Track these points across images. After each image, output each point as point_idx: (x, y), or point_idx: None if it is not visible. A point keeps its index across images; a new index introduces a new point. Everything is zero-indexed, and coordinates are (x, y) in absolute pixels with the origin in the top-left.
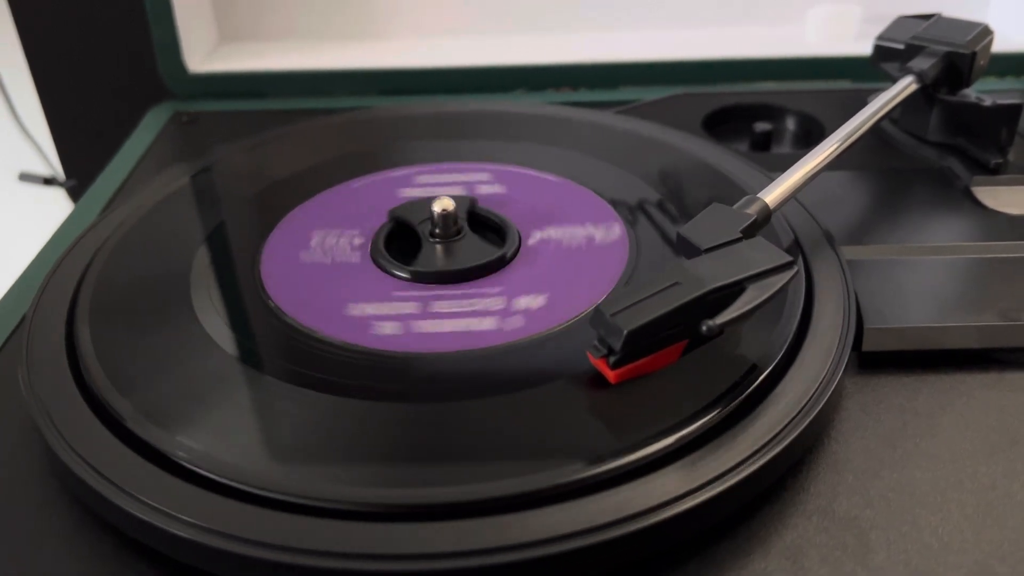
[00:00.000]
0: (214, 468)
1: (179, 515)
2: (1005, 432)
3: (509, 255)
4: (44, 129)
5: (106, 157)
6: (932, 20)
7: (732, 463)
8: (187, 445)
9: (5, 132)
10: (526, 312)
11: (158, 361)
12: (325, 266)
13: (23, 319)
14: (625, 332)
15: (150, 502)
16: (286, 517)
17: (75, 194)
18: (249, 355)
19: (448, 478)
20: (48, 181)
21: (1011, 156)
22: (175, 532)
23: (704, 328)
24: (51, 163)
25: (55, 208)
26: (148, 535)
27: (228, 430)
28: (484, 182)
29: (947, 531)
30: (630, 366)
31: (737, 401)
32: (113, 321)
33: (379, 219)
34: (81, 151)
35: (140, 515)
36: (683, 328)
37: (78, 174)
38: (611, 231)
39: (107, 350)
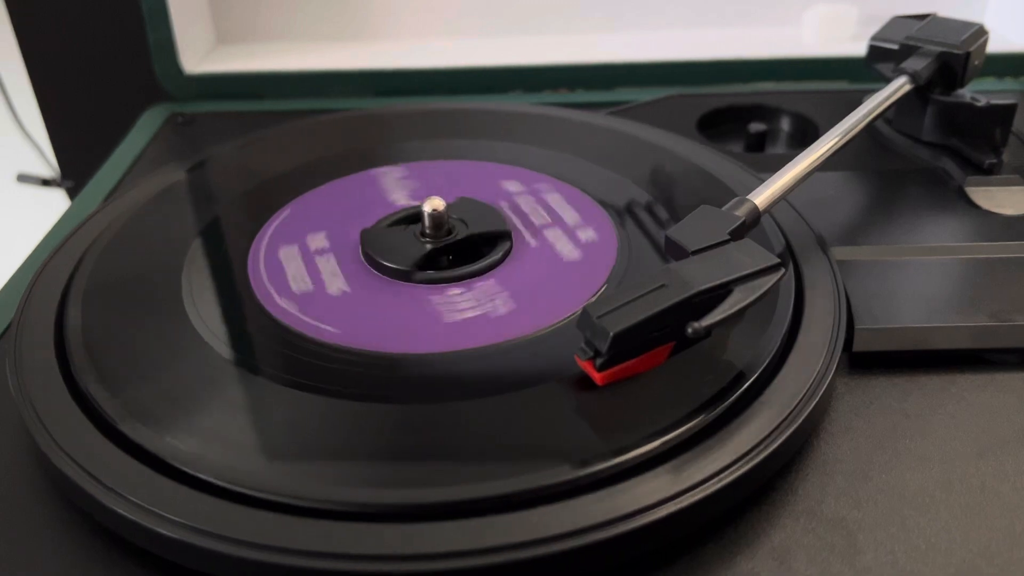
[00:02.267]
0: (204, 468)
1: (169, 515)
2: (995, 433)
3: (500, 256)
4: (42, 130)
5: (104, 158)
6: (927, 20)
7: (721, 465)
8: (177, 445)
9: (3, 133)
10: (514, 314)
11: (148, 360)
12: (316, 265)
13: (13, 319)
14: (611, 334)
15: (140, 502)
16: (277, 517)
17: (73, 195)
18: (240, 355)
19: (435, 479)
20: (46, 182)
21: (1005, 156)
22: (165, 532)
23: (689, 330)
24: (50, 164)
25: (53, 209)
26: (138, 535)
27: (218, 430)
28: (476, 181)
29: (935, 532)
30: (617, 368)
31: (727, 403)
32: (103, 320)
33: (371, 217)
34: (79, 152)
35: (130, 515)
36: (670, 330)
37: (76, 175)
38: (601, 233)
39: (97, 348)
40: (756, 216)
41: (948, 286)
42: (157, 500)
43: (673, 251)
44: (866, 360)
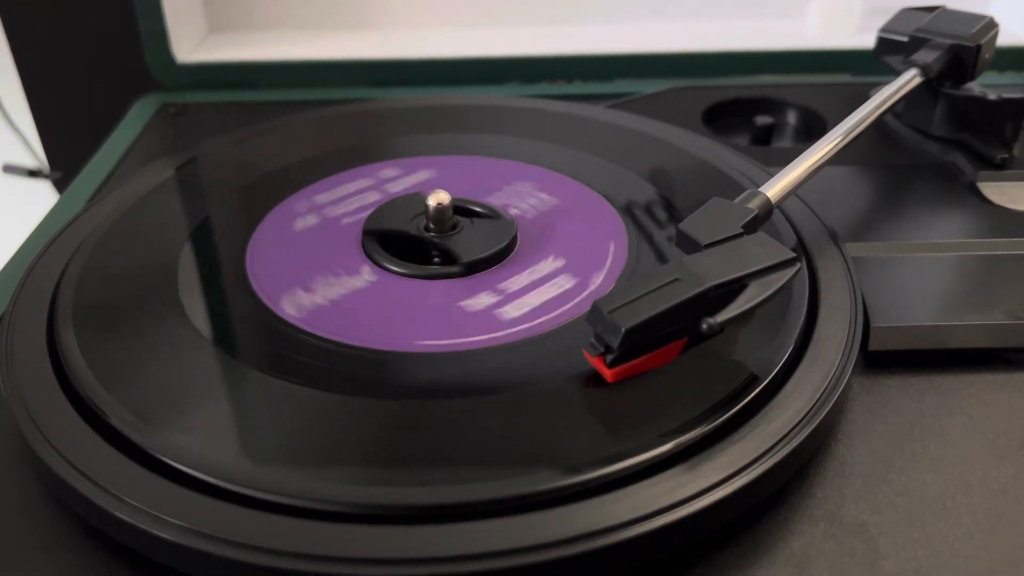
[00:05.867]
0: (200, 468)
1: (164, 516)
2: (1014, 435)
3: (505, 251)
4: (29, 120)
5: (93, 149)
6: (936, 12)
7: (737, 467)
8: (172, 444)
9: None
10: (522, 309)
11: (142, 357)
12: (314, 261)
13: (3, 314)
14: (623, 330)
15: (134, 503)
16: (275, 519)
17: (61, 186)
18: (236, 352)
19: (441, 480)
20: (33, 173)
21: (1017, 151)
22: (159, 534)
23: (704, 326)
24: (36, 154)
25: (40, 200)
26: (132, 537)
27: (214, 429)
28: (479, 176)
29: (957, 537)
30: (628, 364)
31: (742, 403)
32: (96, 316)
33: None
34: (67, 142)
35: (124, 516)
36: (683, 326)
37: (64, 166)
38: (610, 227)
39: (89, 345)
40: (768, 209)
41: (962, 283)
42: (152, 501)
43: (685, 244)
44: (881, 359)
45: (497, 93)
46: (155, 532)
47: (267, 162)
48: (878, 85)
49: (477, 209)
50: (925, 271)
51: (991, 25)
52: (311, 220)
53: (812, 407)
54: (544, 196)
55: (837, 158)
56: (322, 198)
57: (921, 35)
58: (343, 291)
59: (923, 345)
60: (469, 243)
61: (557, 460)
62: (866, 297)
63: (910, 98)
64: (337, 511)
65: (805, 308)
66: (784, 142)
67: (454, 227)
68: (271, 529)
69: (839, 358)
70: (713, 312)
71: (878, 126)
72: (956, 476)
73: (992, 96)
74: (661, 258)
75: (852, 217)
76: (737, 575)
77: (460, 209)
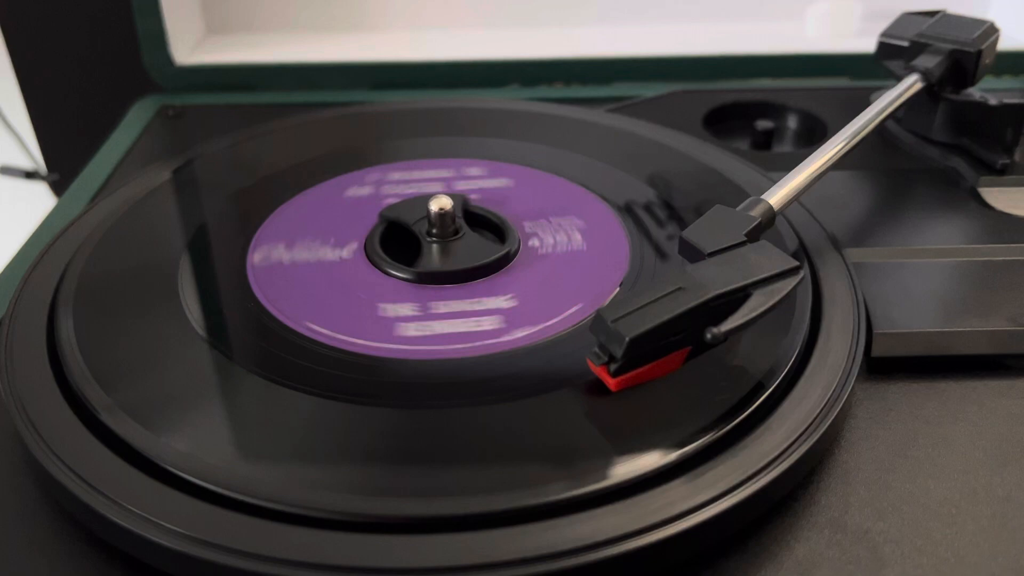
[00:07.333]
0: (198, 472)
1: (162, 522)
2: (1018, 441)
3: (508, 257)
4: (26, 121)
5: (90, 151)
6: (937, 17)
7: (743, 476)
8: (172, 449)
9: None
10: (524, 317)
11: (141, 360)
12: (315, 265)
13: (2, 317)
14: (627, 339)
15: (133, 508)
16: (275, 526)
17: (58, 188)
18: (237, 356)
19: (439, 490)
20: (30, 175)
21: (1017, 156)
22: (157, 540)
23: (708, 336)
24: (34, 156)
25: (37, 203)
26: (130, 543)
27: (213, 433)
28: (479, 181)
29: (962, 544)
30: (631, 374)
31: (747, 412)
32: (95, 319)
33: (371, 217)
34: (64, 144)
35: (122, 522)
36: (686, 334)
37: (61, 168)
38: (612, 234)
39: (89, 348)
40: (771, 217)
41: (963, 289)
42: (151, 505)
43: (688, 253)
44: (883, 365)
45: (496, 96)
46: (155, 538)
47: (269, 164)
48: (878, 89)
49: (492, 221)
50: (927, 277)
51: (992, 30)
52: (314, 222)
53: (817, 415)
54: (543, 200)
55: (838, 163)
56: (325, 200)
57: (922, 40)
58: (345, 294)
59: (926, 351)
60: (457, 253)
61: (559, 471)
62: (868, 303)
63: (911, 103)
64: (338, 519)
65: (808, 316)
66: (784, 146)
67: (456, 232)
68: (270, 536)
69: (843, 365)
70: (717, 321)
71: (879, 131)
72: (960, 483)
73: (993, 101)
74: (663, 265)
75: (853, 222)
76: None
77: (477, 219)
